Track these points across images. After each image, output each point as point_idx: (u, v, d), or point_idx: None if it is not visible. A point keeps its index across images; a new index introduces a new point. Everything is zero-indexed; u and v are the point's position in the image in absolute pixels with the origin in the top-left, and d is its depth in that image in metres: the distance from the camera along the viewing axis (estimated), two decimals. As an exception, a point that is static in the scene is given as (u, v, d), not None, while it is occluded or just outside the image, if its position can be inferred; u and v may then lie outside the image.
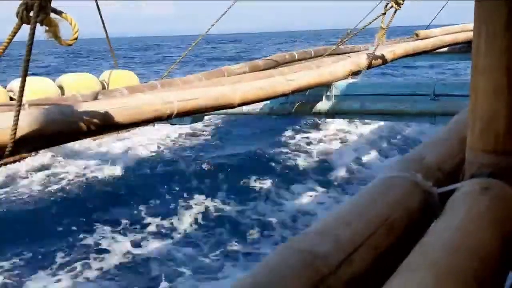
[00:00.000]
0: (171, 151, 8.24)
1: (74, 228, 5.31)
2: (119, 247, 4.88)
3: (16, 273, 4.41)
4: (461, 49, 7.11)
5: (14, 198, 6.14)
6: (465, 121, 0.91)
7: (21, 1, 1.49)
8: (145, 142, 8.58)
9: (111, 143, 8.39)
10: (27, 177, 6.84)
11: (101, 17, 3.74)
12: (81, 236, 5.12)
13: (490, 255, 0.60)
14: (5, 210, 5.76)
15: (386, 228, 0.70)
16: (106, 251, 4.83)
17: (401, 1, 4.00)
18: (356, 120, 7.77)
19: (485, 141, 0.80)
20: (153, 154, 8.05)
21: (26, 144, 1.83)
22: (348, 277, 0.59)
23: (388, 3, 4.09)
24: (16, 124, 1.67)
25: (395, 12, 4.05)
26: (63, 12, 1.54)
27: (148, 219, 5.58)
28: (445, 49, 6.84)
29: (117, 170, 7.09)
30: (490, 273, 0.59)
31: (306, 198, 6.16)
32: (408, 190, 0.82)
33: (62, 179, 6.86)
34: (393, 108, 4.42)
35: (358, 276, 0.60)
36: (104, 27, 3.87)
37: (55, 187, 6.56)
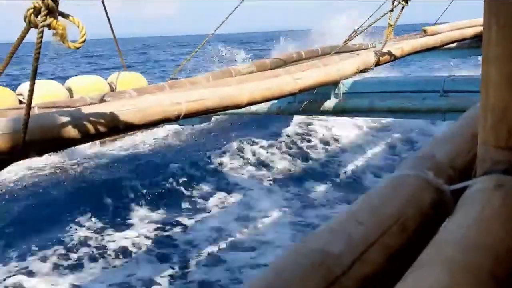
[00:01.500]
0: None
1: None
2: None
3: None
4: (470, 44, 7.05)
5: None
6: (476, 116, 0.90)
7: (30, 0, 1.50)
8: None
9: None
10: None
11: (108, 17, 3.76)
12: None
13: (506, 252, 0.59)
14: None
15: (398, 226, 0.69)
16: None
17: (408, -2, 3.97)
18: (364, 117, 7.73)
19: (498, 136, 0.79)
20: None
21: (35, 147, 1.84)
22: (361, 276, 0.58)
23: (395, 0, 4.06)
24: (25, 127, 1.68)
25: (402, 8, 4.02)
26: (70, 16, 1.54)
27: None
28: (454, 44, 6.79)
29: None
30: (506, 270, 0.58)
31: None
32: (419, 188, 0.81)
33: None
34: (402, 105, 4.40)
35: (371, 275, 0.59)
36: (111, 27, 3.87)
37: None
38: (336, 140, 8.54)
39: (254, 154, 7.73)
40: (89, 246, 5.06)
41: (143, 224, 5.58)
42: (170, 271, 4.51)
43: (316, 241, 0.58)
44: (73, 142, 2.07)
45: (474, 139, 0.92)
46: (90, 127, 2.02)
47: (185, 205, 6.13)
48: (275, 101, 4.78)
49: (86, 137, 2.06)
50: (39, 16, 1.50)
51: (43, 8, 1.48)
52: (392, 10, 4.09)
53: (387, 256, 0.63)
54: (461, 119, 1.20)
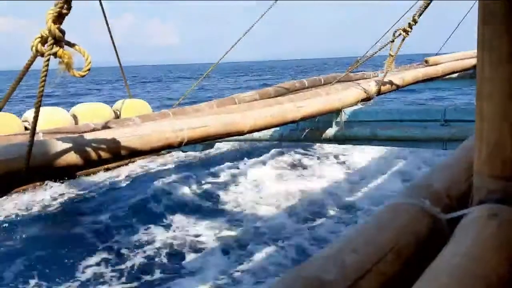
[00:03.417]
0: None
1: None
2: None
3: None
4: (472, 74, 7.12)
5: None
6: (473, 146, 0.91)
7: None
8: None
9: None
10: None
11: (114, 46, 3.82)
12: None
13: (497, 280, 0.60)
14: None
15: (393, 254, 0.69)
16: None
17: (409, 29, 4.04)
18: (365, 146, 7.74)
19: (492, 166, 0.80)
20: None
21: (38, 173, 1.86)
22: (355, 304, 0.58)
23: (396, 31, 4.13)
24: (29, 152, 1.70)
25: (403, 39, 4.09)
26: (76, 45, 1.58)
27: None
28: (455, 74, 6.86)
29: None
30: (499, 300, 0.59)
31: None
32: (416, 216, 0.82)
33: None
34: (403, 134, 4.42)
35: (365, 303, 0.60)
36: (117, 55, 3.93)
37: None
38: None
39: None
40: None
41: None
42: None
43: (310, 269, 0.59)
44: (76, 168, 2.08)
45: (471, 169, 0.93)
46: (93, 153, 2.04)
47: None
48: (277, 128, 4.81)
49: (89, 163, 2.08)
50: (45, 45, 1.54)
51: (49, 38, 1.52)
52: (393, 41, 4.15)
53: (381, 284, 0.63)
54: (458, 149, 1.21)
